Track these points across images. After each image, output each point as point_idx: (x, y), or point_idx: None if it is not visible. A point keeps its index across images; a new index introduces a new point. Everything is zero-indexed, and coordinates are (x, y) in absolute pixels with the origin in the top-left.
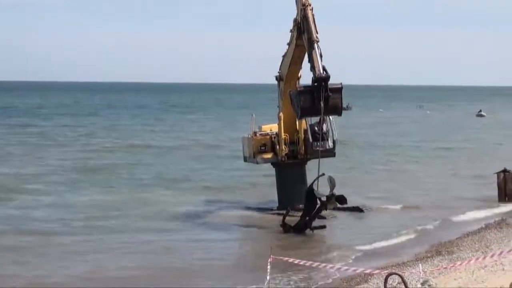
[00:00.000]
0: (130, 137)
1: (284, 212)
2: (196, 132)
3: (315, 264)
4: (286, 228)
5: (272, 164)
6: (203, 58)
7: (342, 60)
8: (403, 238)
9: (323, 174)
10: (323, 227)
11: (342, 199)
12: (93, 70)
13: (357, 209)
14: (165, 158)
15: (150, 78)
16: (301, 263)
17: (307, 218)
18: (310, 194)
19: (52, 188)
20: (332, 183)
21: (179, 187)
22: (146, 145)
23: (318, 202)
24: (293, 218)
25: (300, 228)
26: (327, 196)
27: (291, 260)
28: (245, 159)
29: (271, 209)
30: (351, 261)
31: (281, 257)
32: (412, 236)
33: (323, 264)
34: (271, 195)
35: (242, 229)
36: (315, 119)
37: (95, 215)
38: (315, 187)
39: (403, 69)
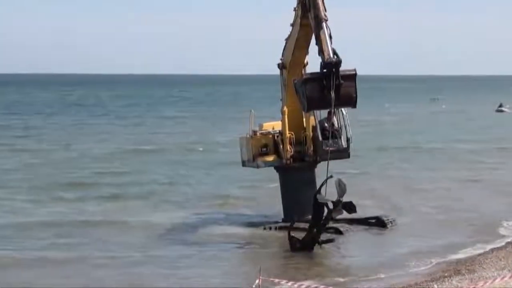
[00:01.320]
0: (102, 139)
1: (289, 225)
2: (183, 133)
3: (312, 287)
4: (292, 243)
5: (275, 168)
6: (188, 46)
7: (344, 46)
8: (417, 255)
9: (331, 177)
10: (331, 241)
11: (350, 207)
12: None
13: (379, 223)
14: (143, 164)
15: (128, 69)
16: (295, 286)
17: (315, 230)
18: (316, 201)
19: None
20: (341, 187)
21: (160, 200)
22: (120, 149)
23: (326, 210)
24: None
25: (307, 244)
26: (333, 203)
27: (283, 282)
28: (244, 163)
29: (276, 222)
30: (354, 283)
31: (271, 279)
32: (428, 252)
33: (321, 287)
34: (275, 206)
35: (238, 248)
36: (325, 114)
37: (59, 239)
38: (321, 193)
39: (415, 58)
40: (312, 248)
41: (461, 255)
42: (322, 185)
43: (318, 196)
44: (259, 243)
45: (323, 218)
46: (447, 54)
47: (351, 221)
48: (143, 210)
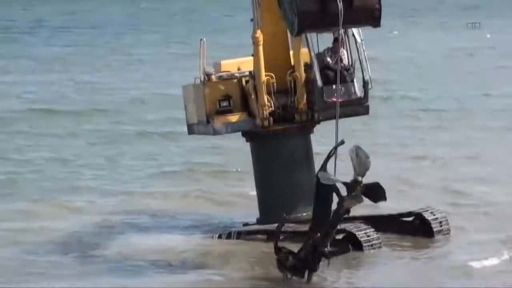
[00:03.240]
0: None
1: (276, 228)
2: (80, 83)
3: None
4: (281, 260)
5: (244, 134)
6: None
7: None
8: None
9: (343, 142)
10: (345, 250)
11: (376, 192)
12: None
13: (420, 224)
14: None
15: None
16: None
17: (320, 234)
18: (320, 185)
19: None
20: (360, 159)
21: (63, 193)
22: None
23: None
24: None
25: (306, 261)
26: (347, 185)
27: None
28: (191, 129)
29: (247, 224)
30: None
31: None
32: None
33: None
34: (244, 199)
35: (178, 272)
36: (327, 42)
37: None
38: (327, 171)
39: None
40: (316, 267)
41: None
42: (328, 157)
43: (320, 174)
44: (210, 260)
45: (334, 212)
46: None
47: (372, 221)
48: (45, 206)
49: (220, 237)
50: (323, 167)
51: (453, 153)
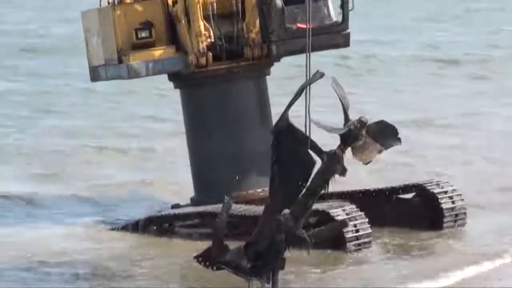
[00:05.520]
0: None
1: (218, 217)
2: None
3: None
4: (228, 261)
5: (172, 78)
6: None
7: None
8: None
9: (322, 75)
10: (342, 224)
11: (387, 133)
12: None
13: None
14: None
15: None
16: None
17: (291, 213)
18: (282, 140)
19: None
20: (338, 89)
21: None
22: None
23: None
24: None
25: (272, 257)
26: (348, 133)
27: None
28: (96, 74)
29: (178, 206)
30: None
31: None
32: None
33: None
34: (170, 171)
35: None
36: None
37: None
38: (290, 122)
39: None
40: (283, 263)
41: None
42: (294, 98)
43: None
44: (113, 266)
45: (314, 176)
46: None
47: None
48: None
49: (125, 228)
50: (285, 114)
51: None
